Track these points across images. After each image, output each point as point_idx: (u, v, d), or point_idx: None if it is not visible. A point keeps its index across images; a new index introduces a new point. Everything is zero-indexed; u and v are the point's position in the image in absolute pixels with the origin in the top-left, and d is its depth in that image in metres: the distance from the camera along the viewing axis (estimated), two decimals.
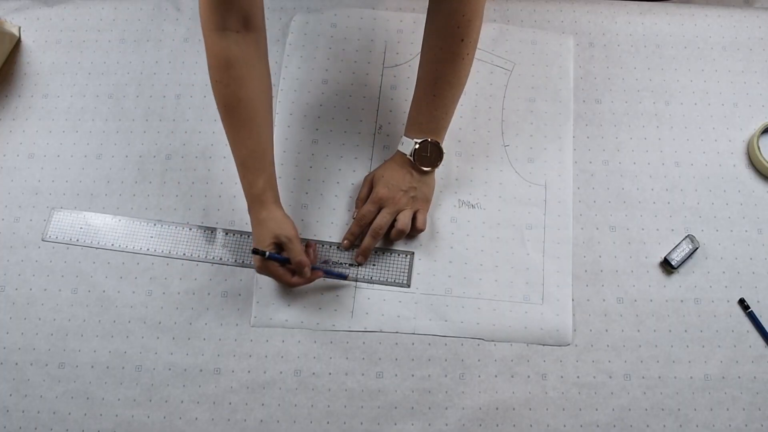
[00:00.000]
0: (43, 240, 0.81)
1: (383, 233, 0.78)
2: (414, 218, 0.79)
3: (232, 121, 0.72)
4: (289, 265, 0.74)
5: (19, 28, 0.92)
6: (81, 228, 0.81)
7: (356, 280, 0.79)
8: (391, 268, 0.80)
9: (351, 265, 0.80)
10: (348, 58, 0.90)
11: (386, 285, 0.79)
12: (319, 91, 0.88)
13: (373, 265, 0.80)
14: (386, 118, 0.87)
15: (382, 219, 0.78)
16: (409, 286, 0.79)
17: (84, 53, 0.91)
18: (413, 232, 0.80)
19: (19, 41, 0.91)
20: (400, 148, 0.79)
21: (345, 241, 0.80)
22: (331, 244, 0.81)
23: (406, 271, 0.80)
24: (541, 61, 0.91)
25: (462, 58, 0.73)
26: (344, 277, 0.78)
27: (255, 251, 0.72)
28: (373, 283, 0.79)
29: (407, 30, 0.92)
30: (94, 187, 0.84)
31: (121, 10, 0.93)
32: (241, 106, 0.72)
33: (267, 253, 0.71)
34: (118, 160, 0.85)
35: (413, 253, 0.81)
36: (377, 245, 0.80)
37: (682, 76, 0.90)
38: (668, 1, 0.97)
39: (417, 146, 0.77)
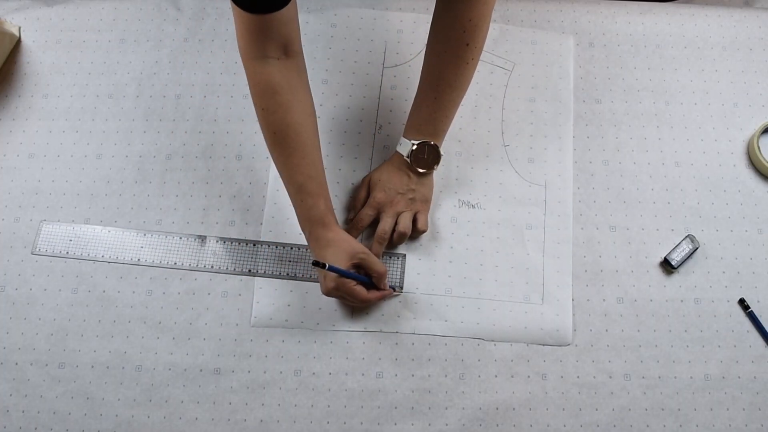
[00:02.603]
0: (32, 254, 0.80)
1: (389, 237, 0.78)
2: (415, 220, 0.79)
3: (282, 147, 0.71)
4: (356, 285, 0.73)
5: (19, 28, 0.92)
6: (71, 240, 0.81)
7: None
8: None
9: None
10: (348, 58, 0.90)
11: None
12: (319, 91, 0.88)
13: None
14: (386, 118, 0.87)
15: (386, 224, 0.77)
16: (401, 288, 0.79)
17: (84, 53, 0.91)
18: (415, 233, 0.80)
19: (19, 41, 0.91)
20: (398, 149, 0.79)
21: None
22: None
23: (399, 273, 0.80)
24: (541, 61, 0.91)
25: (466, 62, 0.73)
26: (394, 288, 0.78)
27: (315, 263, 0.68)
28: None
29: (407, 30, 0.92)
30: (94, 187, 0.84)
31: (121, 10, 0.93)
32: (290, 132, 0.70)
33: (327, 265, 0.69)
34: (118, 160, 0.85)
35: (405, 255, 0.81)
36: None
37: (682, 76, 0.90)
38: (669, 1, 0.97)
39: (414, 148, 0.77)
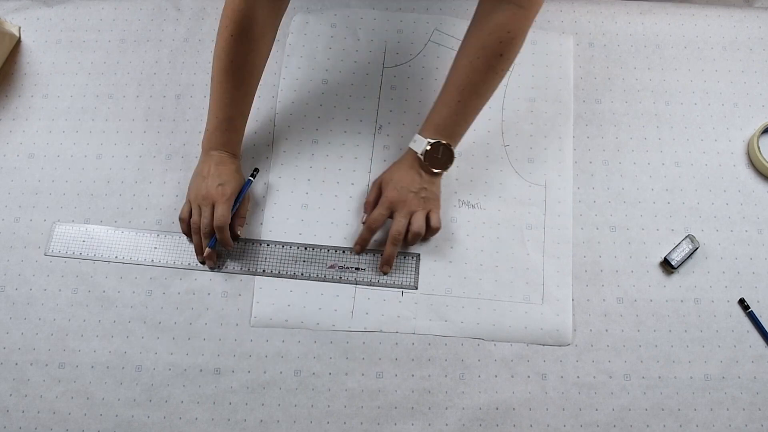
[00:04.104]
0: (45, 255, 0.80)
1: (403, 237, 0.78)
2: (428, 218, 0.78)
3: (232, 79, 0.74)
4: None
5: (19, 28, 0.92)
6: (84, 241, 0.81)
7: (359, 284, 0.79)
8: (397, 271, 0.80)
9: (357, 269, 0.80)
10: (348, 58, 0.90)
11: (394, 288, 0.79)
12: (319, 91, 0.88)
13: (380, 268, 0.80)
14: (386, 118, 0.87)
15: (399, 224, 0.77)
16: (416, 288, 0.79)
17: (84, 53, 0.91)
18: (429, 232, 0.79)
19: (19, 41, 0.91)
20: (412, 146, 0.78)
21: (357, 246, 0.79)
22: (336, 248, 0.81)
23: (413, 273, 0.80)
24: (541, 61, 0.91)
25: (496, 72, 0.73)
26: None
27: (256, 170, 0.81)
28: (380, 286, 0.79)
29: (407, 30, 0.92)
30: (94, 187, 0.84)
31: (121, 10, 0.93)
32: (247, 68, 0.74)
33: (257, 170, 0.80)
34: (118, 160, 0.85)
35: (419, 255, 0.80)
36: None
37: (682, 76, 0.90)
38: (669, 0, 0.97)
39: (429, 147, 0.76)
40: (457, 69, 0.75)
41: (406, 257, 0.80)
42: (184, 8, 0.93)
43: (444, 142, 0.76)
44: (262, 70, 0.78)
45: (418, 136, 0.78)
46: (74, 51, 0.91)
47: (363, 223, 0.80)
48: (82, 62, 0.90)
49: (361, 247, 0.79)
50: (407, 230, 0.78)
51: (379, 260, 0.79)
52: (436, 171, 0.78)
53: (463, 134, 0.78)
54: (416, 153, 0.77)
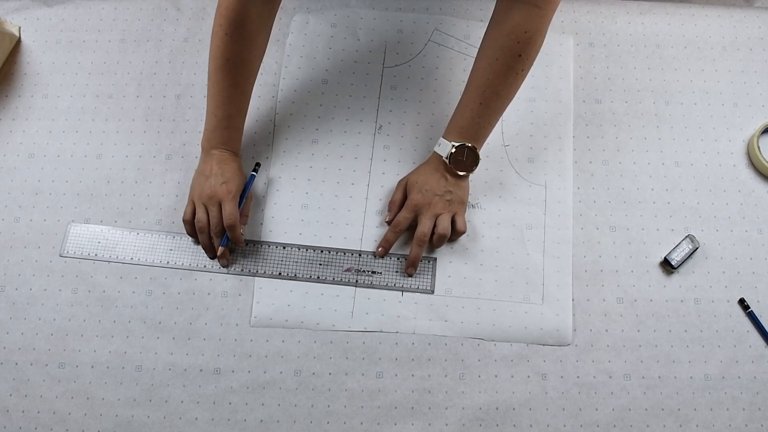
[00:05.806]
0: (60, 255, 0.80)
1: (428, 239, 0.78)
2: (453, 222, 0.78)
3: (229, 77, 0.74)
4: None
5: (19, 28, 0.92)
6: (99, 242, 0.81)
7: (376, 287, 0.79)
8: (413, 275, 0.80)
9: (374, 272, 0.80)
10: (348, 58, 0.90)
11: (409, 292, 0.79)
12: (319, 91, 0.88)
13: (396, 271, 0.80)
14: (386, 118, 0.87)
15: (425, 226, 0.77)
16: (432, 293, 0.79)
17: (84, 53, 0.91)
18: (454, 235, 0.79)
19: (19, 41, 0.91)
20: (437, 150, 0.78)
21: (380, 249, 0.79)
22: (352, 251, 0.81)
23: (430, 277, 0.80)
24: (541, 61, 0.90)
25: (516, 72, 0.73)
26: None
27: (258, 165, 0.82)
28: (397, 290, 0.79)
29: (407, 30, 0.92)
30: (94, 187, 0.84)
31: (121, 10, 0.93)
32: (242, 65, 0.75)
33: (258, 165, 0.82)
34: (118, 160, 0.85)
35: (436, 258, 0.80)
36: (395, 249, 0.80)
37: (682, 76, 0.90)
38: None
39: (454, 150, 0.76)
40: (477, 71, 0.75)
41: (423, 261, 0.80)
42: (184, 8, 0.93)
43: (469, 144, 0.76)
44: (258, 68, 0.78)
45: (442, 140, 0.78)
46: (74, 51, 0.91)
47: (386, 222, 0.81)
48: (82, 62, 0.90)
49: (384, 249, 0.79)
50: (432, 232, 0.78)
51: (394, 265, 0.80)
52: (461, 174, 0.78)
53: (487, 135, 0.78)
54: (441, 156, 0.77)
